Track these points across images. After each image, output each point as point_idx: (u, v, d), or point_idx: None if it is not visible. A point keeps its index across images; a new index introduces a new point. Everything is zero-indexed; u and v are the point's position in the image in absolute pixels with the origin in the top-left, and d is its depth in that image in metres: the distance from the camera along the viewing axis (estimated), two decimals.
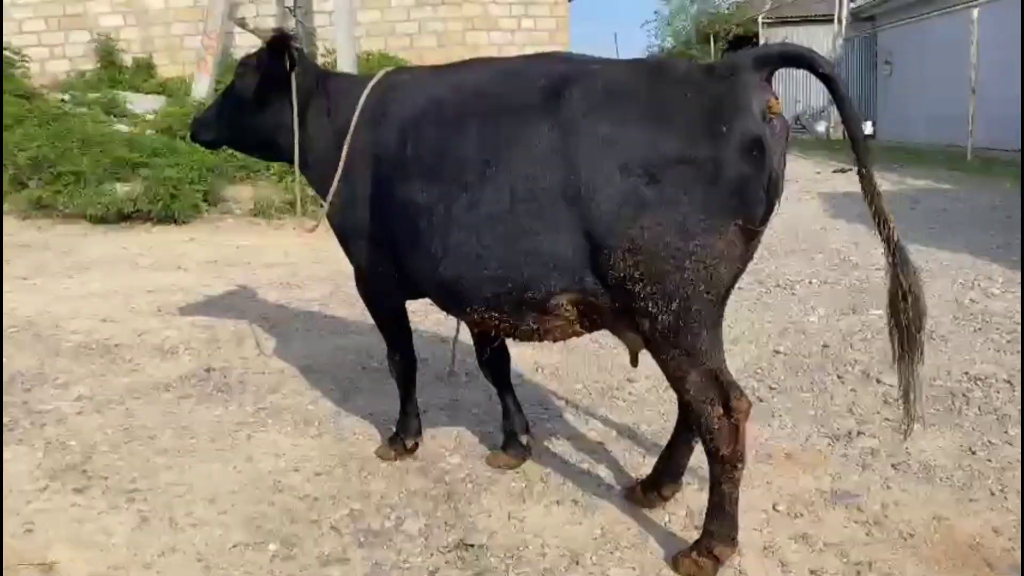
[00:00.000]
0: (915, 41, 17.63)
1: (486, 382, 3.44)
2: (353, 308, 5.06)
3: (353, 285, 3.33)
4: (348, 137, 2.99)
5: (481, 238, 2.56)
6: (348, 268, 3.29)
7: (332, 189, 3.04)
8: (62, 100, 11.21)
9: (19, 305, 5.47)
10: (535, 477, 3.19)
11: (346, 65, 11.95)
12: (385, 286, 3.15)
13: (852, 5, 22.23)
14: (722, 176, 2.26)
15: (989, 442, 3.35)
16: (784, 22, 26.97)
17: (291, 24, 14.38)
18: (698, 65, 2.45)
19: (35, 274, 6.48)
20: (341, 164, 3.00)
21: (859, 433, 3.46)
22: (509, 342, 3.15)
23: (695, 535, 2.65)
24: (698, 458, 2.76)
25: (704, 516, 2.57)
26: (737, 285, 2.55)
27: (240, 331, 5.02)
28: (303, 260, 6.91)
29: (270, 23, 14.35)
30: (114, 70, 13.63)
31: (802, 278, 6.19)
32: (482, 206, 2.55)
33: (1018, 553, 2.59)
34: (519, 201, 2.48)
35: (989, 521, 2.78)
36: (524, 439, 3.30)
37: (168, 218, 8.52)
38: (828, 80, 2.33)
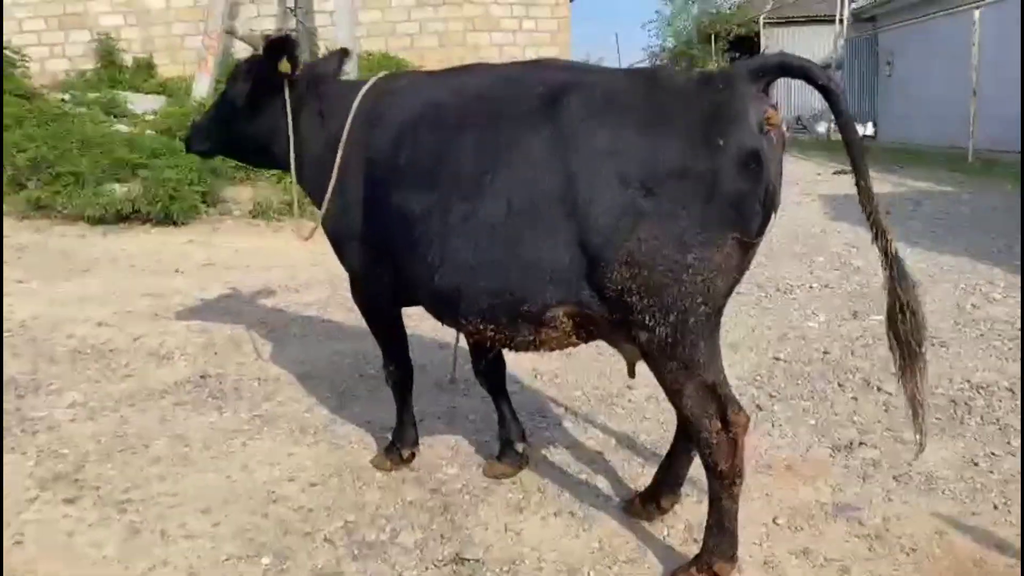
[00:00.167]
0: (917, 42, 17.56)
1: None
2: (351, 313, 5.00)
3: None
4: (342, 143, 2.96)
5: (476, 249, 2.53)
6: (346, 272, 3.26)
7: (327, 196, 3.00)
8: (62, 100, 11.17)
9: (15, 308, 5.44)
10: (532, 488, 3.15)
11: (347, 66, 11.90)
12: (380, 293, 3.12)
13: (854, 5, 22.17)
14: (719, 188, 2.23)
15: (992, 453, 3.31)
16: (785, 22, 26.92)
17: (292, 24, 14.37)
18: (695, 75, 2.42)
19: (31, 277, 6.44)
20: (335, 171, 2.96)
21: (860, 443, 3.43)
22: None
23: (694, 549, 2.62)
24: (697, 469, 2.71)
25: (703, 530, 2.53)
26: (735, 290, 2.52)
27: (237, 336, 4.99)
28: (302, 263, 6.87)
29: (271, 23, 14.33)
30: (114, 70, 13.61)
31: (802, 282, 6.15)
32: (477, 217, 2.52)
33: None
34: (515, 212, 2.45)
35: (992, 536, 2.74)
36: (520, 447, 3.27)
37: (167, 219, 8.47)
38: (827, 92, 2.30)
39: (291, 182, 3.37)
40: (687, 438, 2.74)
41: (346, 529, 2.89)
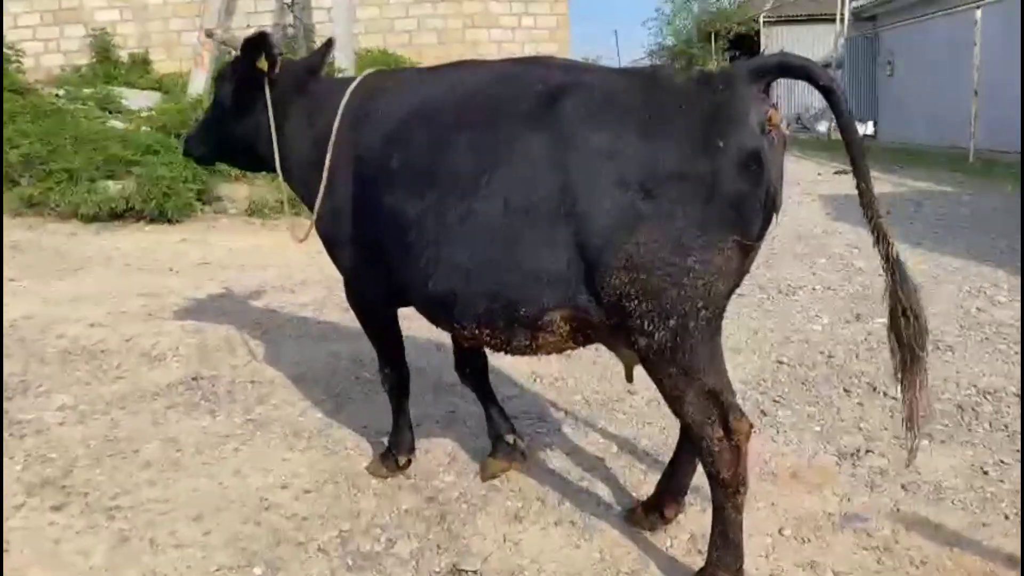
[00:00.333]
0: (917, 41, 17.50)
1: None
2: (347, 313, 4.89)
3: None
4: (331, 143, 2.88)
5: (471, 252, 2.46)
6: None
7: (319, 198, 2.92)
8: (56, 96, 11.07)
9: (5, 308, 5.34)
10: (531, 496, 3.08)
11: (344, 62, 11.83)
12: (374, 295, 3.05)
13: (854, 4, 22.10)
14: (719, 190, 2.18)
15: (1001, 461, 3.24)
16: (785, 21, 26.86)
17: (289, 19, 14.28)
18: (695, 75, 2.37)
19: (23, 275, 6.35)
20: (325, 172, 2.89)
21: (867, 451, 3.35)
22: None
23: (698, 561, 2.55)
24: (701, 477, 2.64)
25: (708, 541, 2.46)
26: (736, 292, 2.46)
27: (231, 337, 4.91)
28: (297, 262, 6.78)
29: (268, 19, 14.25)
30: (109, 65, 13.50)
31: (804, 284, 6.09)
32: (472, 219, 2.45)
33: None
34: (511, 215, 2.38)
35: (1003, 548, 2.67)
36: (511, 439, 3.22)
37: (162, 217, 8.39)
38: (828, 92, 2.24)
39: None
40: (690, 445, 2.67)
41: (340, 538, 2.82)
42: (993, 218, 8.51)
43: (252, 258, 7.28)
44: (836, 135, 20.08)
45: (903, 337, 2.21)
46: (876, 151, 14.68)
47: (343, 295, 3.26)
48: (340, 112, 2.88)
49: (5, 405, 3.88)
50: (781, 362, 4.42)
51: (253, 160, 3.32)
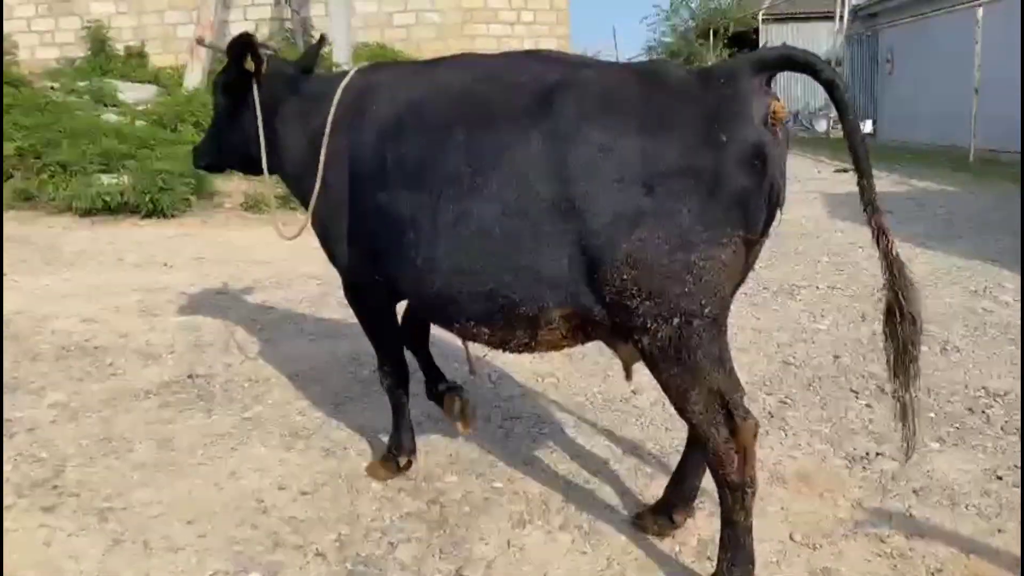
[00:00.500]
0: (917, 40, 17.46)
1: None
2: (345, 310, 4.80)
3: None
4: (324, 140, 2.81)
5: (469, 250, 2.40)
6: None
7: (313, 195, 2.85)
8: (51, 88, 10.97)
9: None
10: (535, 499, 3.00)
11: (341, 57, 11.75)
12: (372, 293, 2.97)
13: (853, 2, 22.05)
14: (722, 185, 2.13)
15: (1015, 466, 3.17)
16: (784, 18, 26.79)
17: (286, 14, 14.18)
18: (696, 70, 2.31)
19: (16, 270, 6.26)
20: (320, 169, 2.82)
21: (877, 454, 3.28)
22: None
23: (708, 567, 2.48)
24: (711, 480, 2.57)
25: (717, 547, 2.39)
26: (740, 291, 2.41)
27: (226, 334, 4.82)
28: (295, 257, 6.68)
29: (265, 12, 14.14)
30: (105, 58, 13.39)
31: (807, 283, 6.02)
32: (470, 216, 2.38)
33: None
34: (510, 212, 2.31)
35: (1020, 556, 2.60)
36: (447, 384, 3.22)
37: (157, 212, 8.30)
38: (830, 86, 2.17)
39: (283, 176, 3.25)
40: (699, 447, 2.60)
41: (339, 542, 2.74)
42: (995, 218, 8.47)
43: (248, 253, 7.19)
44: (836, 133, 20.11)
45: (898, 336, 2.16)
46: (876, 150, 14.62)
47: (341, 292, 3.18)
48: (333, 109, 2.82)
49: None
50: (788, 363, 4.35)
51: (249, 163, 3.25)
